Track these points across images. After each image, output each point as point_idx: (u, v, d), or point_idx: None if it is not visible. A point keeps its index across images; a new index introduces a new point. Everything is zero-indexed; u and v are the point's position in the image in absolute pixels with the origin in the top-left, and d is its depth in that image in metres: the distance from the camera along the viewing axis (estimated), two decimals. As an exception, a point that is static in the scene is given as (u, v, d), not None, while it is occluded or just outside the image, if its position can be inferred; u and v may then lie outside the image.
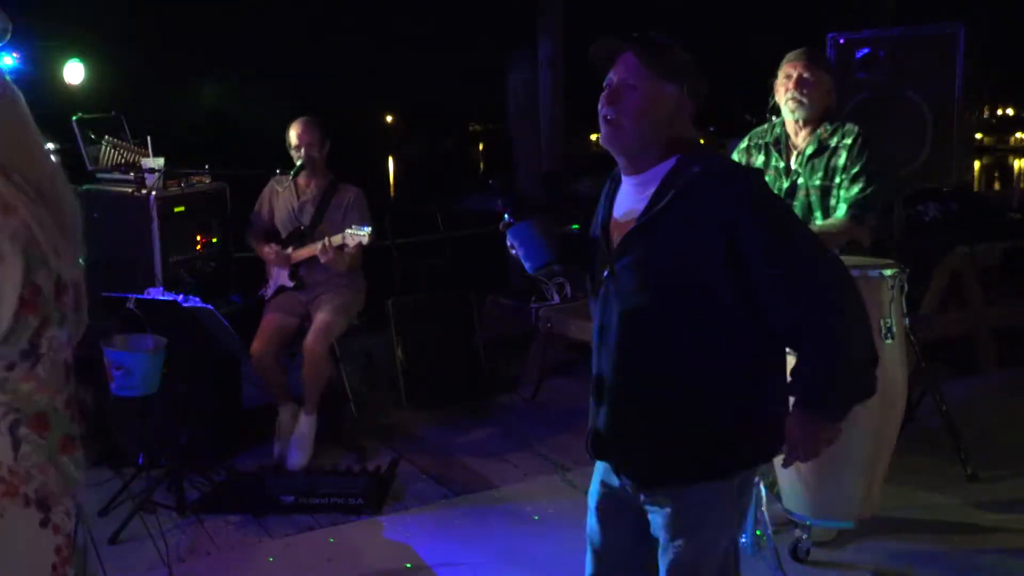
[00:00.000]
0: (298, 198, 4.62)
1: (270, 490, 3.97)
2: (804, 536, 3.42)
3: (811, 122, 3.59)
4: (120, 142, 4.73)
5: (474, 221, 7.77)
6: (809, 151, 3.57)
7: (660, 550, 2.14)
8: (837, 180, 3.52)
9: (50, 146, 4.71)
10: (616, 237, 2.11)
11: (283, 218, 4.63)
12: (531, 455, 4.55)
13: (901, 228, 4.52)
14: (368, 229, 4.24)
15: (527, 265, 2.29)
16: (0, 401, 1.49)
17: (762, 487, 3.23)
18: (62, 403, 1.58)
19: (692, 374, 2.04)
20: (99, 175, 4.57)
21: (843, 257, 3.34)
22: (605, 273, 2.12)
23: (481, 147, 53.86)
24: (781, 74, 3.60)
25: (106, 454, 4.29)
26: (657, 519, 2.13)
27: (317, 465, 4.32)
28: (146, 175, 4.34)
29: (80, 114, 4.61)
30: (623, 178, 2.16)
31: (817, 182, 3.56)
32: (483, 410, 5.22)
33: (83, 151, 4.58)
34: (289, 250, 4.56)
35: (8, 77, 1.60)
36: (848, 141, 3.51)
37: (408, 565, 3.50)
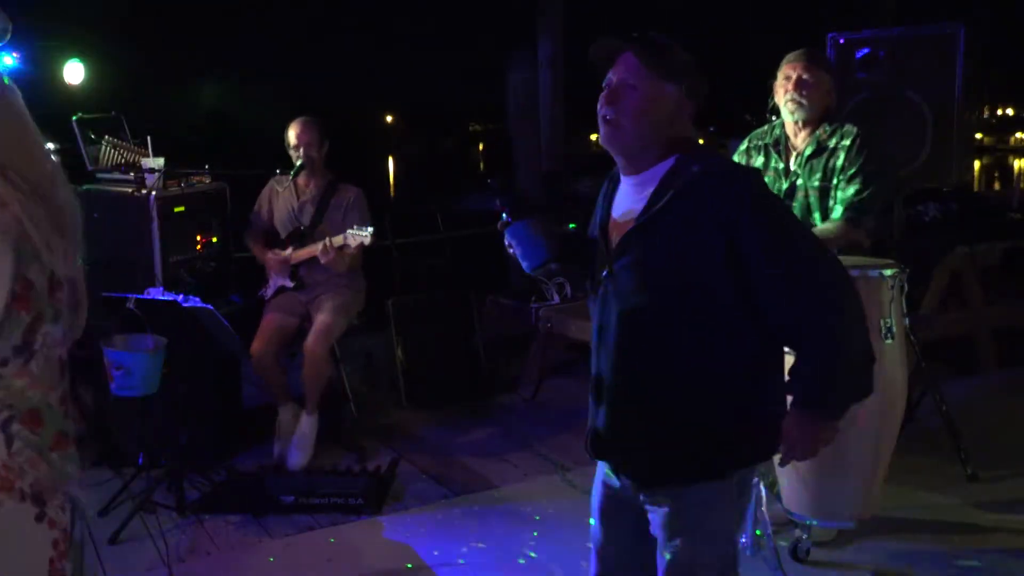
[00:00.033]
0: (298, 198, 4.62)
1: (270, 490, 3.97)
2: (804, 536, 3.42)
3: (810, 123, 3.59)
4: (120, 142, 4.73)
5: (474, 221, 7.77)
6: (808, 152, 3.57)
7: (658, 550, 2.14)
8: (835, 181, 3.52)
9: (50, 146, 4.71)
10: (615, 237, 2.11)
11: (283, 218, 4.63)
12: (531, 455, 4.55)
13: (901, 228, 4.52)
14: (370, 230, 4.24)
15: (524, 264, 2.29)
16: None
17: (762, 487, 3.23)
18: (56, 400, 1.58)
19: (691, 374, 2.04)
20: (99, 175, 4.57)
21: (843, 257, 3.34)
22: (604, 273, 2.12)
23: (481, 147, 53.87)
24: (780, 75, 3.60)
25: (106, 454, 4.29)
26: (656, 518, 2.13)
27: (317, 465, 4.32)
28: (146, 175, 4.34)
29: (80, 114, 4.61)
30: (622, 178, 2.17)
31: (816, 183, 3.56)
32: (483, 410, 5.22)
33: (83, 151, 4.58)
34: (289, 251, 4.56)
35: (7, 77, 1.60)
36: (846, 142, 3.51)
37: (408, 565, 3.50)
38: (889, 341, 3.24)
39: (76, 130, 4.56)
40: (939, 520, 3.74)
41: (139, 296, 3.70)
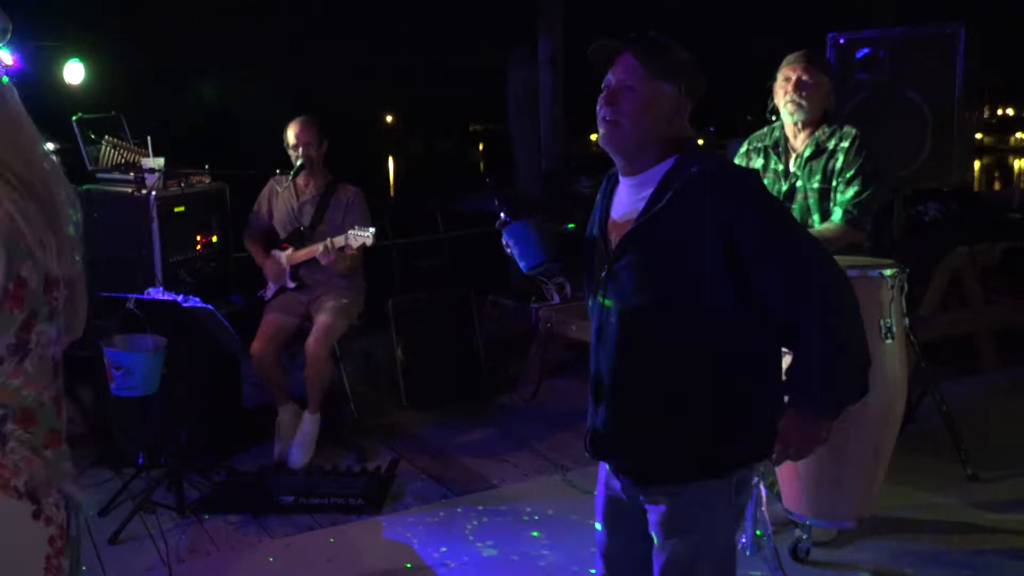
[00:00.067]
0: (297, 198, 4.62)
1: (270, 490, 3.96)
2: (804, 536, 3.42)
3: (810, 125, 3.59)
4: (120, 142, 4.73)
5: (474, 221, 7.77)
6: (807, 153, 3.57)
7: (655, 548, 2.14)
8: (834, 183, 3.52)
9: (50, 146, 4.71)
10: (614, 238, 2.11)
11: (282, 219, 4.63)
12: (531, 455, 4.55)
13: (901, 228, 4.52)
14: (372, 230, 4.24)
15: (521, 264, 2.28)
16: None
17: (762, 487, 3.23)
18: (49, 398, 1.58)
19: (690, 374, 2.05)
20: (99, 175, 4.57)
21: (843, 257, 3.34)
22: (603, 274, 2.12)
23: (481, 147, 53.89)
24: (780, 77, 3.60)
25: (106, 454, 4.29)
26: (654, 517, 2.14)
27: (317, 465, 4.32)
28: (146, 175, 4.34)
29: (80, 114, 4.61)
30: (620, 179, 2.17)
31: (816, 184, 3.56)
32: (483, 410, 5.22)
33: (83, 151, 4.58)
34: (289, 251, 4.56)
35: (4, 76, 1.60)
36: (845, 144, 3.51)
37: (408, 565, 3.50)
38: (889, 341, 3.24)
39: (76, 130, 4.56)
40: (939, 520, 3.74)
41: (139, 296, 3.70)
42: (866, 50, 4.42)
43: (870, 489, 3.33)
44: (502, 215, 2.28)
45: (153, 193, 4.29)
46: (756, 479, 3.17)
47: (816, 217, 3.57)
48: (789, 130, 3.64)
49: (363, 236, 4.23)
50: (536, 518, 3.86)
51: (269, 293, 4.64)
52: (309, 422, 4.39)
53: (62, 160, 4.46)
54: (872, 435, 3.25)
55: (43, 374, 1.56)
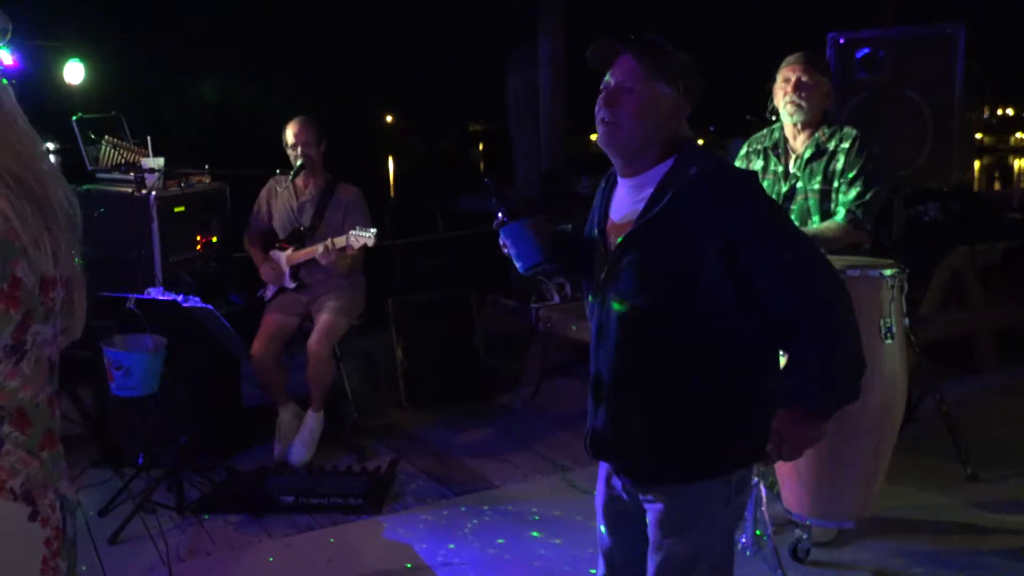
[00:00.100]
0: (297, 199, 4.62)
1: (270, 490, 3.97)
2: (804, 536, 3.42)
3: (809, 125, 3.58)
4: (120, 142, 4.73)
5: (474, 221, 7.78)
6: (807, 155, 3.57)
7: (651, 547, 2.15)
8: (835, 184, 3.52)
9: (50, 146, 4.72)
10: (614, 238, 2.12)
11: (282, 219, 4.63)
12: (531, 455, 4.55)
13: (901, 228, 4.52)
14: (373, 231, 4.24)
15: (518, 265, 2.28)
16: None
17: (762, 487, 3.23)
18: (44, 399, 1.58)
19: (689, 373, 2.05)
20: (99, 175, 4.57)
21: (844, 257, 3.35)
22: (603, 274, 2.12)
23: (481, 147, 53.89)
24: (779, 77, 3.60)
25: (106, 454, 4.29)
26: (653, 516, 2.14)
27: (317, 465, 4.32)
28: (146, 175, 4.34)
29: (80, 114, 4.61)
30: (619, 180, 2.17)
31: (816, 186, 3.56)
32: (483, 410, 5.22)
33: (83, 151, 4.58)
34: (289, 251, 4.56)
35: (2, 78, 1.60)
36: (846, 145, 3.51)
37: (408, 565, 3.50)
38: (889, 341, 3.24)
39: (76, 130, 4.56)
40: (939, 520, 3.74)
41: (139, 296, 3.70)
42: (866, 50, 4.42)
43: (870, 489, 3.33)
44: (500, 215, 2.27)
45: (153, 193, 4.29)
46: (756, 479, 3.17)
47: (816, 219, 3.57)
48: (789, 131, 3.64)
49: (364, 237, 4.23)
50: (536, 518, 3.86)
51: (269, 293, 4.64)
52: (313, 420, 4.40)
53: (62, 160, 4.49)
54: (872, 435, 3.25)
55: (39, 375, 1.55)
